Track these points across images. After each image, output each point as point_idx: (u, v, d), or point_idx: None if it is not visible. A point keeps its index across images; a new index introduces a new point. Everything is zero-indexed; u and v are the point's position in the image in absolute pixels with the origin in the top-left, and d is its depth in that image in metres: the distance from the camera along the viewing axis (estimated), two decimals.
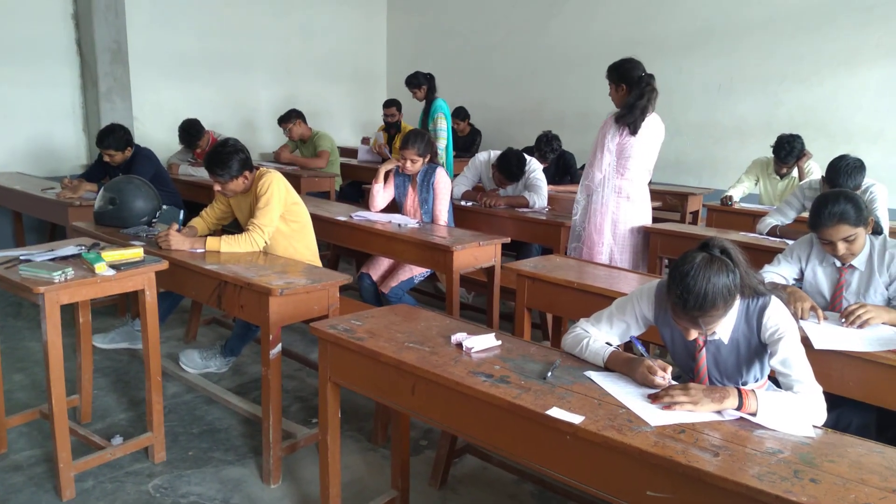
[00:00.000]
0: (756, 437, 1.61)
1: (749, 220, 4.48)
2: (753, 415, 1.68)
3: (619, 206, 3.75)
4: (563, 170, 5.58)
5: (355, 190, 6.45)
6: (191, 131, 5.74)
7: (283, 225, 3.33)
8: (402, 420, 2.52)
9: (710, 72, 6.44)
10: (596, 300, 2.65)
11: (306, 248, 3.45)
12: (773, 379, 1.99)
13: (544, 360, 2.04)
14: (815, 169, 4.81)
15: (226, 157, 3.19)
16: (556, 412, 1.68)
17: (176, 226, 3.17)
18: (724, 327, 1.92)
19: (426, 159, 3.99)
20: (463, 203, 4.66)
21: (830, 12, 5.74)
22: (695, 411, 1.69)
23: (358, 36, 8.59)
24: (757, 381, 2.00)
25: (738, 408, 1.70)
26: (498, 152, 4.72)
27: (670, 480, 1.51)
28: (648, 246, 3.97)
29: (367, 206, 4.20)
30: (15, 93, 5.66)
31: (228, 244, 3.12)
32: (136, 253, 2.75)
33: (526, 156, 4.69)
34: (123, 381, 3.63)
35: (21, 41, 5.64)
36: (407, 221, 3.87)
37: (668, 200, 5.61)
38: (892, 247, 2.54)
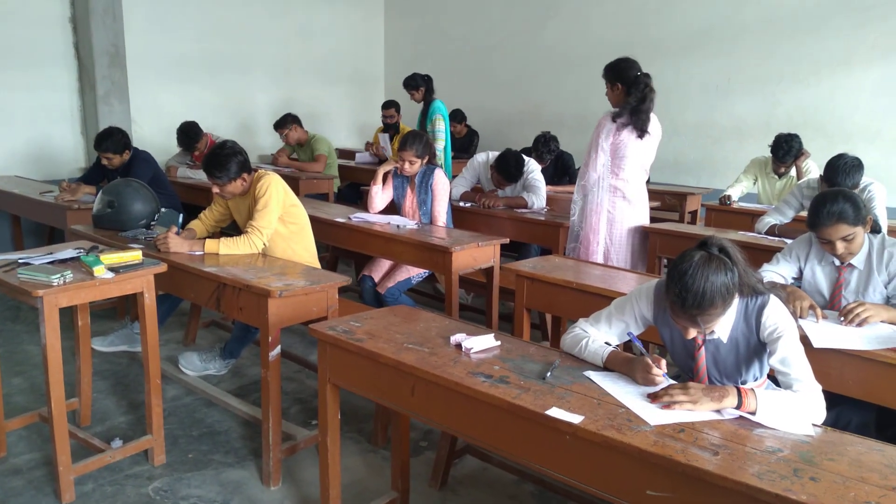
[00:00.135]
0: (755, 435, 1.61)
1: (748, 219, 4.49)
2: (753, 413, 1.68)
3: (614, 205, 3.76)
4: (562, 170, 5.58)
5: (354, 191, 6.45)
6: (189, 134, 5.74)
7: (281, 227, 3.33)
8: (402, 421, 2.52)
9: (709, 72, 6.45)
10: (595, 300, 2.65)
11: (305, 250, 3.45)
12: (773, 378, 1.99)
13: (543, 360, 2.04)
14: (814, 168, 4.82)
15: (224, 159, 3.19)
16: (555, 412, 1.68)
17: (175, 228, 3.17)
18: (723, 326, 1.92)
19: (424, 160, 3.99)
20: (462, 204, 4.66)
21: (828, 13, 5.75)
22: (694, 410, 1.70)
23: (356, 38, 8.60)
24: (756, 379, 2.00)
25: (738, 407, 1.70)
26: (496, 153, 4.73)
27: (670, 480, 1.51)
28: (647, 246, 3.97)
29: (365, 208, 4.20)
30: (13, 96, 5.66)
31: (227, 246, 3.12)
32: (134, 255, 2.75)
33: (524, 157, 4.70)
34: (123, 384, 3.63)
35: (19, 44, 5.65)
36: (406, 223, 3.87)
37: (666, 200, 5.61)
38: (890, 245, 2.54)
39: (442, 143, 5.65)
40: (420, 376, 1.95)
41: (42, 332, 2.44)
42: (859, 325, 2.31)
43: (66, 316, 2.81)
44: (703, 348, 1.98)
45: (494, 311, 3.73)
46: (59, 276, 2.46)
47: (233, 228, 3.50)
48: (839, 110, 5.79)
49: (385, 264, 4.11)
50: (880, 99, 5.60)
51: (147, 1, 6.43)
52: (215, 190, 3.30)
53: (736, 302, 1.88)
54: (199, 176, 5.40)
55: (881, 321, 2.33)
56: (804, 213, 3.04)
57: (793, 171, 4.93)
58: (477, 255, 3.56)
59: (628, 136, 3.64)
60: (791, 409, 1.70)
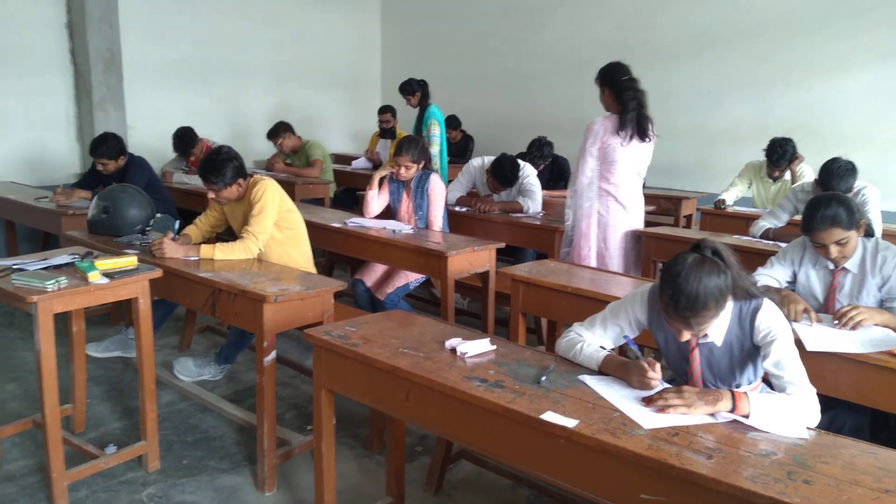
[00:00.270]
0: (749, 439, 1.61)
1: (742, 223, 4.49)
2: (747, 417, 1.68)
3: (608, 210, 3.77)
4: (558, 175, 5.59)
5: (350, 196, 6.44)
6: (185, 139, 5.73)
7: (277, 232, 3.33)
8: (397, 426, 2.51)
9: (703, 76, 6.47)
10: (590, 304, 2.66)
11: (301, 255, 3.45)
12: (768, 381, 1.99)
13: (538, 364, 2.04)
14: (808, 172, 4.84)
15: (220, 164, 3.19)
16: (550, 416, 1.68)
17: (171, 234, 3.17)
18: (717, 330, 1.92)
19: (420, 165, 4.00)
20: (457, 209, 4.67)
21: (821, 18, 5.78)
22: (688, 414, 1.70)
23: (352, 43, 8.61)
24: (751, 383, 2.00)
25: (732, 410, 1.70)
26: (492, 158, 4.73)
27: (664, 483, 1.51)
28: (641, 250, 3.98)
29: (361, 213, 4.20)
30: (8, 102, 5.65)
31: (222, 252, 3.12)
32: (129, 261, 2.74)
33: (520, 161, 4.71)
34: (117, 390, 3.62)
35: (15, 50, 5.64)
36: (401, 227, 3.87)
37: (661, 204, 5.62)
38: (883, 249, 2.55)
39: (437, 147, 5.65)
40: (415, 381, 1.95)
41: (36, 338, 2.43)
42: (853, 328, 2.32)
43: (61, 322, 2.80)
44: (697, 352, 1.99)
45: (490, 316, 3.73)
46: (53, 281, 2.46)
47: (228, 234, 3.50)
48: (833, 114, 5.82)
49: (378, 269, 4.11)
50: (874, 103, 5.63)
51: (143, 7, 6.43)
52: (211, 195, 3.30)
53: (730, 305, 1.89)
54: (195, 181, 5.40)
55: (875, 324, 2.34)
56: (798, 217, 3.05)
57: (787, 175, 4.95)
58: (473, 259, 3.56)
59: (616, 140, 3.66)
60: (785, 412, 1.70)
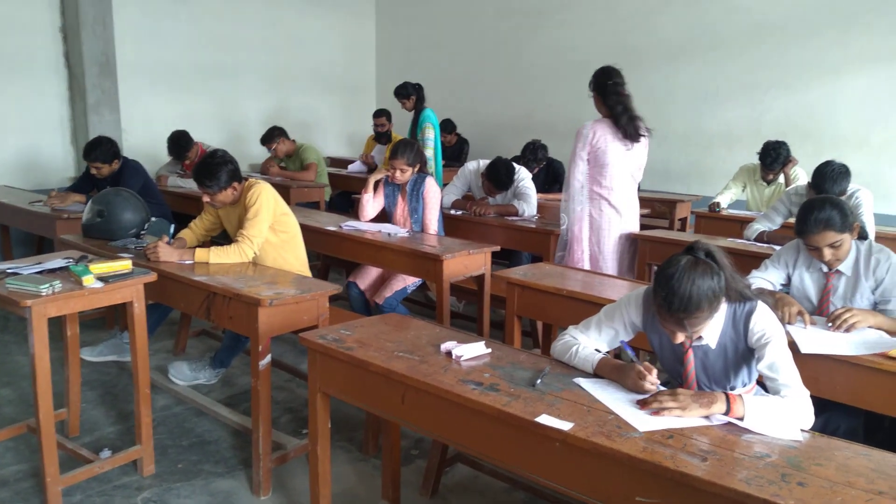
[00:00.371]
0: (744, 441, 1.62)
1: (737, 226, 4.51)
2: (741, 419, 1.69)
3: (601, 213, 3.78)
4: (553, 178, 5.60)
5: (345, 200, 6.44)
6: (180, 143, 5.72)
7: (272, 236, 3.32)
8: (393, 429, 2.51)
9: (697, 80, 6.50)
10: (585, 307, 2.66)
11: (296, 259, 3.45)
12: (762, 383, 2.00)
13: (534, 367, 2.04)
14: (802, 175, 4.86)
15: (214, 168, 3.19)
16: (545, 419, 1.68)
17: (165, 237, 3.16)
18: (712, 332, 1.93)
19: (416, 169, 4.00)
20: (453, 212, 4.67)
21: (815, 22, 5.82)
22: (683, 417, 1.70)
23: (347, 47, 8.62)
24: (745, 385, 2.01)
25: (726, 412, 1.71)
26: (487, 161, 4.74)
27: (659, 485, 1.52)
28: (636, 253, 3.99)
29: (356, 216, 4.20)
30: (2, 105, 5.65)
31: (217, 255, 3.12)
32: (124, 265, 2.74)
33: (515, 164, 4.71)
34: (112, 394, 3.61)
35: (9, 53, 5.63)
36: (397, 231, 3.87)
37: (656, 207, 5.64)
38: (877, 251, 2.56)
39: (430, 151, 5.64)
40: (410, 384, 1.95)
41: (30, 342, 2.43)
42: (847, 330, 2.33)
43: (55, 326, 2.79)
44: (691, 354, 1.99)
45: (486, 319, 3.73)
46: (47, 285, 2.45)
47: (223, 237, 3.50)
48: (826, 117, 5.85)
49: (372, 272, 4.11)
50: (867, 106, 5.66)
51: (138, 10, 6.43)
52: (206, 199, 3.29)
53: (724, 308, 1.90)
54: (190, 185, 5.39)
55: (869, 327, 2.35)
56: (792, 220, 3.06)
57: (781, 178, 4.97)
58: (468, 262, 3.57)
59: (606, 143, 3.69)
60: (779, 414, 1.71)
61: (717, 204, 4.96)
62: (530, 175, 4.81)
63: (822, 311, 2.60)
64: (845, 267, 2.58)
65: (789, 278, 2.74)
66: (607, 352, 2.14)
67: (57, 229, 4.18)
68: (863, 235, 2.67)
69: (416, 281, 3.98)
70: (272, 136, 6.25)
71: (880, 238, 3.79)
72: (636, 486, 1.55)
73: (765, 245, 3.77)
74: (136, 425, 2.84)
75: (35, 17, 5.77)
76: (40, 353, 2.44)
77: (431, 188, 4.02)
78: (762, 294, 2.05)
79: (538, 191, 4.85)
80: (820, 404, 1.93)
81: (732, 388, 1.99)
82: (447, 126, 7.43)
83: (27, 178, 5.82)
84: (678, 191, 6.51)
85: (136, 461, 2.85)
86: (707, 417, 1.71)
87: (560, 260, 3.90)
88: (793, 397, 1.79)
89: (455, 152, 7.61)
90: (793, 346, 2.13)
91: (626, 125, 3.67)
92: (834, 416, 2.33)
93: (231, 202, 3.32)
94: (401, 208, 4.13)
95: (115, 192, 3.61)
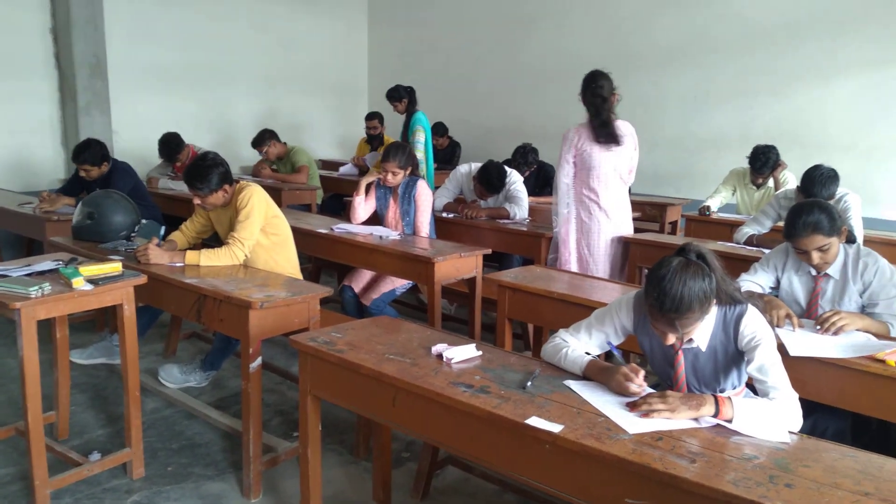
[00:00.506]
0: (732, 443, 1.63)
1: (727, 229, 4.54)
2: (730, 421, 1.70)
3: (590, 216, 3.81)
4: (543, 181, 5.61)
5: (337, 202, 6.44)
6: (171, 145, 5.71)
7: (263, 238, 3.32)
8: (384, 432, 2.51)
9: (686, 85, 6.54)
10: (576, 310, 2.67)
11: (287, 261, 3.44)
12: (751, 386, 2.01)
13: (524, 369, 2.05)
14: (791, 179, 4.89)
15: (205, 170, 3.18)
16: (535, 421, 1.69)
17: (156, 240, 3.15)
18: (702, 335, 1.94)
19: (407, 172, 4.00)
20: (444, 215, 4.68)
21: (804, 26, 5.87)
22: (672, 419, 1.71)
23: (339, 49, 8.62)
24: (735, 388, 2.02)
25: (715, 415, 1.72)
26: (479, 164, 4.76)
27: (648, 487, 1.52)
28: (627, 256, 4.00)
29: (348, 219, 4.20)
30: None
31: (208, 258, 3.11)
32: (114, 267, 2.73)
33: (506, 168, 4.73)
34: (102, 397, 3.59)
35: None
36: (388, 233, 3.88)
37: (647, 211, 5.67)
38: (864, 255, 2.58)
39: (421, 154, 5.65)
40: (401, 387, 1.95)
41: (19, 344, 2.41)
42: (835, 333, 2.35)
43: (45, 328, 2.78)
44: (682, 357, 2.01)
45: (477, 322, 3.74)
46: (37, 288, 2.44)
47: (214, 240, 3.49)
48: (815, 122, 5.90)
49: (366, 275, 4.11)
50: (855, 111, 5.71)
51: (129, 11, 6.41)
52: (197, 201, 3.28)
53: (714, 311, 1.91)
54: (181, 187, 5.37)
55: (856, 329, 2.37)
56: (782, 224, 3.09)
57: (770, 182, 5.01)
58: (459, 265, 3.57)
59: (591, 146, 3.72)
60: (767, 416, 1.72)
61: (707, 207, 4.99)
62: (521, 178, 4.83)
63: (811, 315, 2.62)
64: (833, 270, 2.60)
65: (778, 281, 2.76)
66: (598, 355, 2.15)
67: (46, 231, 4.16)
68: (851, 239, 2.69)
69: (406, 283, 3.98)
70: (263, 139, 6.24)
71: (868, 242, 3.83)
72: (626, 488, 1.56)
73: (754, 248, 3.79)
74: (125, 428, 2.83)
75: (25, 18, 5.74)
76: (29, 355, 2.43)
77: (423, 191, 4.03)
78: (752, 297, 2.07)
79: (529, 194, 4.86)
80: (808, 406, 1.95)
81: (722, 391, 2.00)
82: (439, 129, 7.44)
83: (17, 179, 5.79)
84: (668, 194, 6.55)
85: (126, 464, 2.84)
86: (696, 420, 1.72)
87: (552, 262, 3.92)
88: (781, 400, 1.80)
89: (447, 155, 7.62)
90: (781, 348, 2.14)
91: (598, 128, 3.72)
92: (822, 419, 2.34)
93: (222, 204, 3.32)
94: (392, 211, 4.13)
95: (105, 194, 3.60)
